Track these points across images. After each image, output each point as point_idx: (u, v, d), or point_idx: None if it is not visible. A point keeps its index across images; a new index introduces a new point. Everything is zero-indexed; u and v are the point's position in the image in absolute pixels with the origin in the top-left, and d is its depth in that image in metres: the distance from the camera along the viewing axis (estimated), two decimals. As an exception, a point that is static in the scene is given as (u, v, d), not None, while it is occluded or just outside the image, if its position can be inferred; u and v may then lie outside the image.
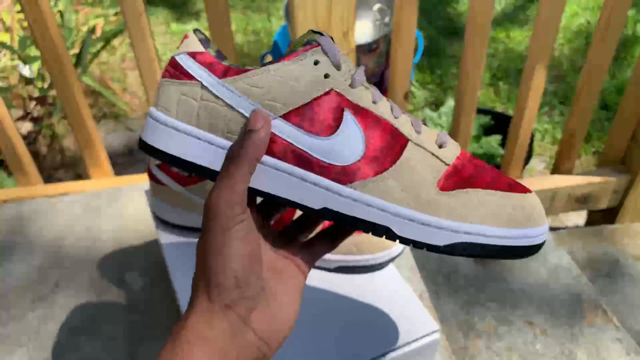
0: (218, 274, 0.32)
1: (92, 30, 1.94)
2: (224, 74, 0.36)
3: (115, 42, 2.09)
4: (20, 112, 1.64)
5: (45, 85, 1.68)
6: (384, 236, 0.36)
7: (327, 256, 0.57)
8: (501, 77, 1.94)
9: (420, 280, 0.73)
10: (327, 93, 0.35)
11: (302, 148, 0.35)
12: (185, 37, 0.39)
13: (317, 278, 0.57)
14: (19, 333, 0.73)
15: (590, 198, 1.14)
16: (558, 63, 1.97)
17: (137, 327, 0.73)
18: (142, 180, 1.03)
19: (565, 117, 1.74)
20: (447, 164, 0.36)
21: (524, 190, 0.37)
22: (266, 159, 0.36)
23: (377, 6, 1.51)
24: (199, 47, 0.38)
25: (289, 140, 0.35)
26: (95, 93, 1.84)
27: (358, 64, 1.44)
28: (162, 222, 0.64)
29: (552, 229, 1.01)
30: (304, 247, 0.39)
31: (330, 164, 0.35)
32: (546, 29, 0.93)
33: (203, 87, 0.36)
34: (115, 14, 2.15)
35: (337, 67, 0.36)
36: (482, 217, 0.35)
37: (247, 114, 0.36)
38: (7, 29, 1.90)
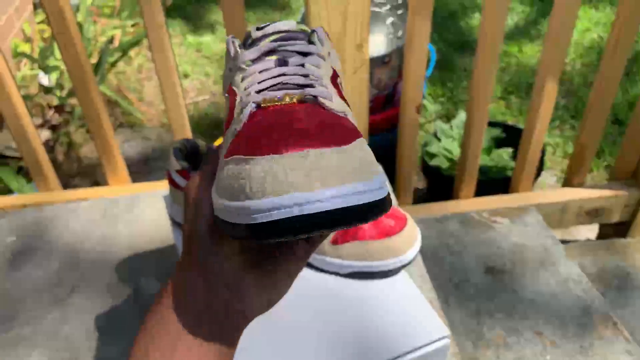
0: (195, 229, 0.34)
1: (110, 41, 1.99)
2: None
3: (132, 52, 2.13)
4: (39, 120, 1.68)
5: (64, 94, 1.72)
6: None
7: (340, 262, 0.58)
8: (513, 91, 1.95)
9: (431, 288, 0.74)
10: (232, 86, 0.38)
11: None
12: None
13: (329, 283, 0.59)
14: (37, 334, 0.75)
15: (601, 212, 1.15)
16: (570, 78, 1.98)
17: (152, 331, 0.74)
18: (158, 188, 1.05)
19: (576, 131, 1.75)
20: (236, 133, 0.33)
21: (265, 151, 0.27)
22: None
23: (390, 20, 1.53)
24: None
25: None
26: (112, 102, 1.87)
27: (371, 76, 1.46)
28: (179, 227, 0.66)
29: (562, 242, 1.01)
30: None
31: None
32: (557, 43, 0.95)
33: None
34: (133, 25, 2.20)
35: (232, 58, 0.38)
36: (229, 189, 0.29)
37: None
38: (28, 39, 1.95)
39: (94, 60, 1.87)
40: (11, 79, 0.93)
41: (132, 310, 0.78)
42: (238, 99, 0.35)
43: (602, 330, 0.80)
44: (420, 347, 0.52)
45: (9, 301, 0.79)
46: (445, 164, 1.40)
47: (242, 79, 0.36)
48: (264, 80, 0.34)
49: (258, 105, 0.33)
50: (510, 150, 1.38)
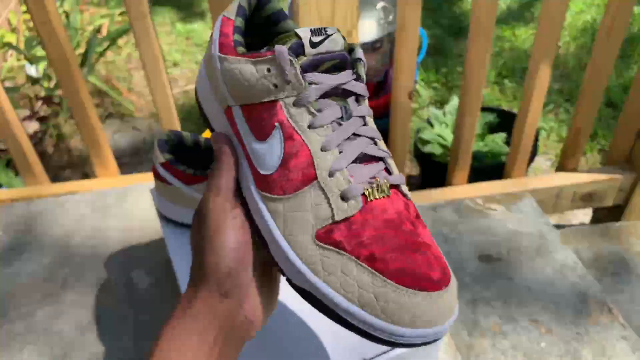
0: (213, 269, 0.36)
1: (98, 30, 1.95)
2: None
3: (121, 41, 2.10)
4: (27, 112, 1.65)
5: (52, 85, 1.69)
6: (267, 251, 0.38)
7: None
8: (506, 75, 1.94)
9: (425, 278, 0.74)
10: (273, 102, 0.37)
11: (244, 141, 0.38)
12: None
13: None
14: (28, 330, 0.74)
15: (595, 196, 1.14)
16: (564, 61, 1.97)
17: (144, 325, 0.74)
18: (148, 180, 1.03)
19: (570, 115, 1.74)
20: (335, 220, 0.35)
21: (424, 286, 0.34)
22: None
23: (380, 4, 1.51)
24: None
25: (239, 129, 0.39)
26: (101, 92, 1.85)
27: (363, 63, 1.45)
28: (167, 221, 0.65)
29: (557, 226, 1.01)
30: None
31: (254, 166, 0.38)
32: (550, 26, 0.93)
33: None
34: (121, 13, 2.16)
35: (286, 81, 0.36)
36: (333, 283, 0.35)
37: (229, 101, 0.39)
38: (14, 30, 1.91)
39: (81, 50, 1.84)
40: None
41: (124, 304, 0.77)
42: (309, 148, 0.36)
43: (598, 317, 0.79)
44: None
45: (-2, 298, 0.78)
46: (438, 151, 1.39)
47: (311, 126, 0.36)
48: (345, 140, 0.36)
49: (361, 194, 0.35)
50: (504, 135, 1.38)
